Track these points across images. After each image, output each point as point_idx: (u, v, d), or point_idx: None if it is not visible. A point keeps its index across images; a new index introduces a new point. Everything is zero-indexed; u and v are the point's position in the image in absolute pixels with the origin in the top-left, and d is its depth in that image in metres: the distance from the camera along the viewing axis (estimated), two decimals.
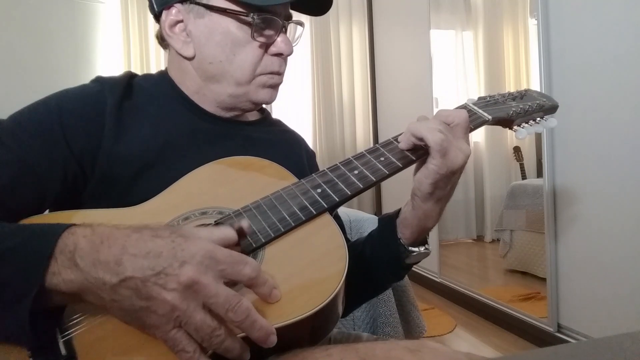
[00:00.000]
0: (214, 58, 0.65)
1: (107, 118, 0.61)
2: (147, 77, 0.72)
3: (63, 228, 0.43)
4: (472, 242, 2.62)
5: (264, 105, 0.82)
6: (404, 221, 0.64)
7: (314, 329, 0.50)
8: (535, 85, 1.83)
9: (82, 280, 0.41)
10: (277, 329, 0.44)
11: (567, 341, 1.73)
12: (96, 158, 0.59)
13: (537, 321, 1.87)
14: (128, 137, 0.61)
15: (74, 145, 0.58)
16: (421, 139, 0.57)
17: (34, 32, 2.44)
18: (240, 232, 0.49)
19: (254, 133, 0.73)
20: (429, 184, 0.57)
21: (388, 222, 0.66)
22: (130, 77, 0.68)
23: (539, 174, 1.89)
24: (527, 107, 0.70)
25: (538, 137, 1.86)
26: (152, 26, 2.79)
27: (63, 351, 0.43)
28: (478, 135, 2.47)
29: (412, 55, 2.83)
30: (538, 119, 0.72)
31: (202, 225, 0.55)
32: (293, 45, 0.69)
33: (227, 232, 0.47)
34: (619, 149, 1.52)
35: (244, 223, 0.50)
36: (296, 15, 0.71)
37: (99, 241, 0.42)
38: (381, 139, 3.29)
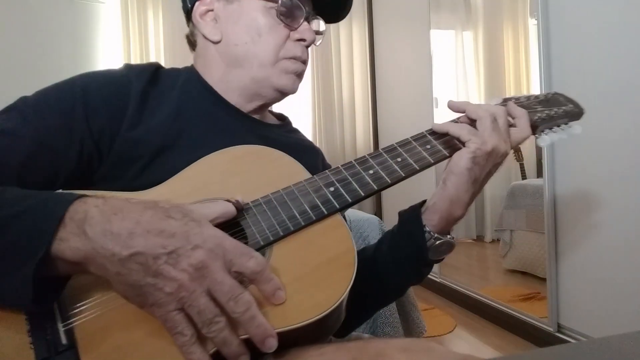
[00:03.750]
0: (240, 40, 0.68)
1: (131, 102, 0.62)
2: (174, 69, 0.74)
3: (75, 196, 0.44)
4: (472, 242, 2.62)
5: (282, 111, 0.82)
6: (432, 207, 0.63)
7: (316, 333, 0.50)
8: (535, 85, 1.83)
9: (89, 249, 0.41)
10: (279, 334, 0.43)
11: (567, 341, 1.72)
12: (114, 140, 0.60)
13: (537, 321, 1.87)
14: (148, 121, 0.63)
15: (94, 124, 0.59)
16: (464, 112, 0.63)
17: (34, 32, 2.44)
18: (237, 206, 0.51)
19: (271, 134, 0.74)
20: (468, 158, 0.59)
21: (411, 211, 0.65)
22: (157, 67, 0.70)
23: (539, 174, 1.89)
24: (553, 112, 0.68)
25: None
26: (152, 26, 2.79)
27: (63, 340, 0.43)
28: None
29: (412, 55, 2.83)
30: (562, 125, 0.70)
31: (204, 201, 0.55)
32: (316, 43, 0.73)
33: (226, 206, 0.49)
34: (619, 149, 1.52)
35: (238, 197, 0.52)
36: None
37: (111, 212, 0.42)
38: (381, 139, 3.29)
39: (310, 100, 3.18)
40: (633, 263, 1.49)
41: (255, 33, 0.67)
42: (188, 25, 0.74)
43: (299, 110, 3.11)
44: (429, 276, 2.65)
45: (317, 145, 3.52)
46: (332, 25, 3.22)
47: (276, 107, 0.82)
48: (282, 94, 0.72)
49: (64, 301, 0.46)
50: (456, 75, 2.65)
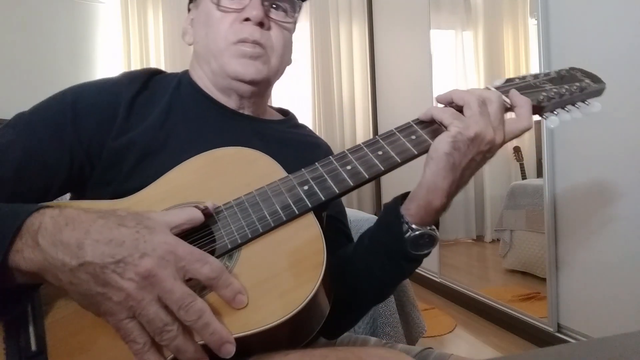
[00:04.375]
0: (199, 37, 0.70)
1: (121, 110, 0.62)
2: (172, 73, 0.74)
3: (34, 208, 0.44)
4: (472, 242, 2.62)
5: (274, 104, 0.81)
6: (410, 196, 0.58)
7: (286, 336, 0.48)
8: None
9: (42, 260, 0.41)
10: (239, 339, 0.43)
11: (567, 341, 1.72)
12: (103, 146, 0.61)
13: (537, 321, 1.87)
14: (136, 126, 0.63)
15: (83, 134, 0.60)
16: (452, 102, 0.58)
17: (33, 32, 2.44)
18: (206, 212, 0.50)
19: (267, 130, 0.72)
20: (447, 142, 0.53)
21: (391, 202, 0.61)
22: (153, 73, 0.70)
23: (539, 174, 1.88)
24: (564, 90, 0.61)
25: (538, 137, 1.86)
26: (152, 26, 2.79)
27: (33, 346, 0.44)
28: None
29: (412, 55, 2.83)
30: (578, 103, 0.62)
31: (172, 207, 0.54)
32: (287, 22, 0.70)
33: (193, 213, 0.49)
34: (619, 148, 1.52)
35: (209, 203, 0.51)
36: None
37: (63, 223, 0.43)
38: None
39: (310, 100, 3.18)
40: (633, 263, 1.49)
41: (207, 27, 0.68)
42: None
43: (299, 110, 3.11)
44: (429, 276, 2.65)
45: None
46: (332, 25, 3.23)
47: (277, 106, 0.81)
48: (242, 82, 0.67)
49: (38, 307, 0.46)
50: (456, 75, 2.65)
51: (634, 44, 1.45)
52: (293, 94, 3.07)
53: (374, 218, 1.53)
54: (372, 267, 0.62)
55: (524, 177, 2.21)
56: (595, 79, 0.65)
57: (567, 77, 0.65)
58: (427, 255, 0.60)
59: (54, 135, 0.58)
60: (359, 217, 1.54)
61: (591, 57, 1.59)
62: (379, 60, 3.28)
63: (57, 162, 0.58)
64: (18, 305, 0.45)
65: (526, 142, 2.21)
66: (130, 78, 0.66)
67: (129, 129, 0.62)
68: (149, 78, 0.68)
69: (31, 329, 0.45)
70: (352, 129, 3.30)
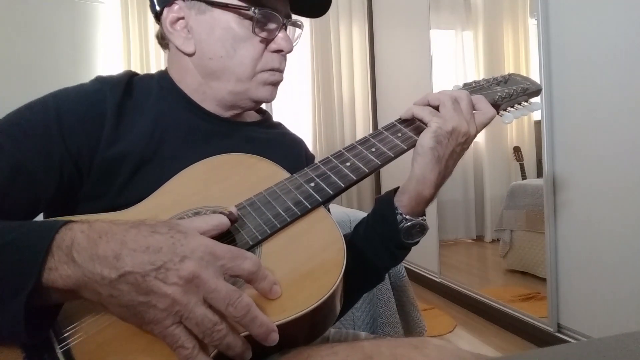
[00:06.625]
0: (214, 53, 0.65)
1: (108, 119, 0.60)
2: (148, 75, 0.72)
3: (60, 224, 0.43)
4: (472, 242, 2.62)
5: (264, 106, 0.82)
6: (401, 189, 0.65)
7: (313, 325, 0.51)
8: None
9: (80, 276, 0.40)
10: (279, 326, 0.44)
11: (567, 341, 1.73)
12: (93, 158, 0.59)
13: (537, 321, 1.87)
14: (126, 136, 0.61)
15: (72, 145, 0.58)
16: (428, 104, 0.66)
17: (34, 32, 2.44)
18: (231, 217, 0.51)
19: (252, 133, 0.73)
20: (430, 137, 0.61)
21: (384, 195, 0.67)
22: (130, 76, 0.68)
23: (539, 174, 1.89)
24: (512, 91, 0.71)
25: (538, 137, 1.86)
26: (152, 26, 2.79)
27: None
28: (478, 135, 2.47)
29: (412, 55, 2.82)
30: (523, 102, 0.74)
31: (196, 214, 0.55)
32: (293, 44, 0.70)
33: (220, 219, 0.49)
34: (619, 149, 1.52)
35: (232, 208, 0.52)
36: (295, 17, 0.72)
37: (96, 236, 0.42)
38: None
39: (310, 100, 3.17)
40: (633, 263, 1.49)
41: (230, 47, 0.65)
42: (158, 23, 0.70)
43: (299, 110, 3.12)
44: (429, 276, 2.65)
45: (317, 145, 3.50)
46: (332, 25, 3.23)
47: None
48: (259, 103, 0.72)
49: (58, 323, 0.45)
50: (456, 75, 2.65)
51: (634, 44, 1.45)
52: (293, 94, 3.07)
53: None
54: (367, 255, 0.67)
55: (524, 177, 2.21)
56: (532, 81, 0.75)
57: (510, 80, 0.75)
58: (416, 243, 0.66)
59: (41, 148, 0.56)
60: (359, 216, 1.53)
61: (591, 57, 1.60)
62: (379, 60, 3.27)
63: (46, 176, 0.56)
64: (49, 327, 0.44)
65: (526, 142, 2.21)
66: (111, 84, 0.63)
67: (119, 138, 0.60)
68: (128, 82, 0.66)
69: (56, 346, 0.43)
70: (352, 128, 3.30)
